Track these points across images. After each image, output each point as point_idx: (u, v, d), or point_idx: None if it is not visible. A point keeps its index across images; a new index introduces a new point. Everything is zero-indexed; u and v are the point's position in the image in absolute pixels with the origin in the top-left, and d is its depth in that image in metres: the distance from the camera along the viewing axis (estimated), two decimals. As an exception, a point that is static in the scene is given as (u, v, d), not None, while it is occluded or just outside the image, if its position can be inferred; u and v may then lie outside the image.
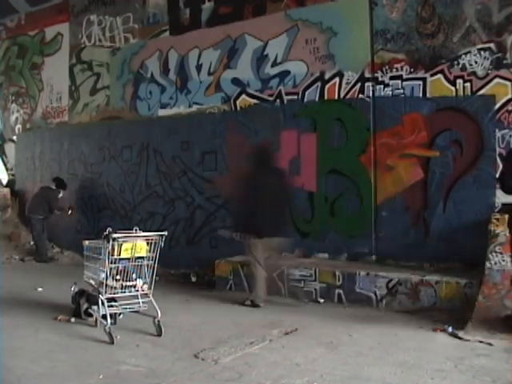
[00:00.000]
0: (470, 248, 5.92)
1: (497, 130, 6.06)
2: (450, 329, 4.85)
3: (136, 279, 4.98)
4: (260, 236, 6.09)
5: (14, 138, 11.55)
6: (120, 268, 4.89)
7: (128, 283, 4.94)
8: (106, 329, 4.64)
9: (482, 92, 6.15)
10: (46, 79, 10.81)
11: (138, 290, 4.98)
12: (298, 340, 4.72)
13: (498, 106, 6.06)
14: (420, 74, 6.53)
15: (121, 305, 4.98)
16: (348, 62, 7.03)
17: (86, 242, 5.20)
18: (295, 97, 7.46)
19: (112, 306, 4.90)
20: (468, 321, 4.89)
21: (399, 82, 6.66)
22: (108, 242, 4.76)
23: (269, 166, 6.30)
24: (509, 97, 6.00)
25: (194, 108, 8.50)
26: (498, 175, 6.06)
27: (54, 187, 9.63)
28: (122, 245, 4.81)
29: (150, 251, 4.96)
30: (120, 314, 5.15)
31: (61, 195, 9.65)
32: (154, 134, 8.96)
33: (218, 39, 8.22)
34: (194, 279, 7.77)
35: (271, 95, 7.69)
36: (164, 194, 8.82)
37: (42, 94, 10.91)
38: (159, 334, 4.81)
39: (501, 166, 6.05)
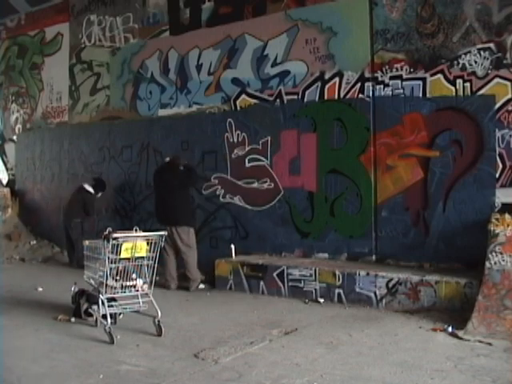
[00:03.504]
0: (470, 248, 5.94)
1: (497, 130, 6.05)
2: (449, 329, 4.85)
3: (136, 279, 4.99)
4: (159, 223, 7.27)
5: (14, 137, 11.55)
6: (120, 268, 4.90)
7: (128, 283, 4.94)
8: (106, 329, 4.64)
9: (481, 92, 6.14)
10: (46, 79, 10.82)
11: (137, 290, 4.99)
12: (298, 340, 4.72)
13: (497, 105, 6.04)
14: (420, 74, 6.52)
15: (121, 305, 4.99)
16: (348, 61, 7.03)
17: (86, 242, 5.21)
18: (295, 97, 7.45)
19: (112, 306, 4.91)
20: (468, 321, 4.89)
21: (399, 81, 6.65)
22: (108, 241, 4.77)
23: (173, 170, 7.38)
24: (509, 97, 5.99)
25: (194, 108, 8.50)
26: (497, 175, 6.07)
27: (90, 189, 9.10)
28: (121, 245, 4.82)
29: (149, 251, 4.97)
30: (120, 313, 5.16)
31: (99, 196, 9.21)
32: (153, 133, 8.95)
33: (218, 39, 8.21)
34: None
35: (271, 95, 7.68)
36: (164, 194, 8.81)
37: (42, 93, 10.91)
38: (159, 334, 4.81)
39: (501, 166, 6.05)
